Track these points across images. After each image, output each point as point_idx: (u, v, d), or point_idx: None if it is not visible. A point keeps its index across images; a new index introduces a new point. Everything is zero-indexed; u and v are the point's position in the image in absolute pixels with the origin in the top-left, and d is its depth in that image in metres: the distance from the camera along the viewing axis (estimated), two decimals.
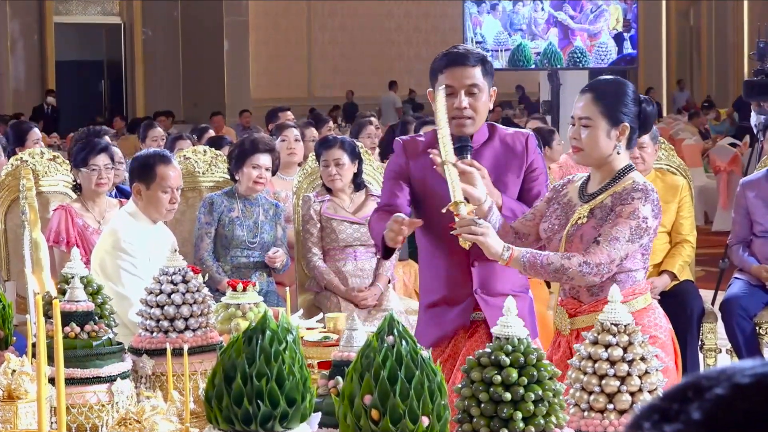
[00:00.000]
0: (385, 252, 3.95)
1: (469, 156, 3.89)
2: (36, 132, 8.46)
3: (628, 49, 12.76)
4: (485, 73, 3.98)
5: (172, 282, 3.32)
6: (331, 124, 11.05)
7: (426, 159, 3.97)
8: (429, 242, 4.05)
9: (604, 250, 3.52)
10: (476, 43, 12.74)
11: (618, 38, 12.78)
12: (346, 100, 23.67)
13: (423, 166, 4.00)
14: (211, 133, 10.11)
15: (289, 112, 10.02)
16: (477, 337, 3.95)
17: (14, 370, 2.93)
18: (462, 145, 3.91)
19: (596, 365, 2.70)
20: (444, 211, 3.62)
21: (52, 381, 2.74)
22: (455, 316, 3.99)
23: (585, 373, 2.72)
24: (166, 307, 3.30)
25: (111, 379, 3.05)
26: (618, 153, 3.67)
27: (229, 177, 6.30)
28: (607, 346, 2.71)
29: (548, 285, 6.46)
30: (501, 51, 12.91)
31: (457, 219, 3.59)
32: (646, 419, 1.10)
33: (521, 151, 4.02)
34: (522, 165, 4.03)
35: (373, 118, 10.14)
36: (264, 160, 6.13)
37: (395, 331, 2.55)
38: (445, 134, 3.75)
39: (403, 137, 4.24)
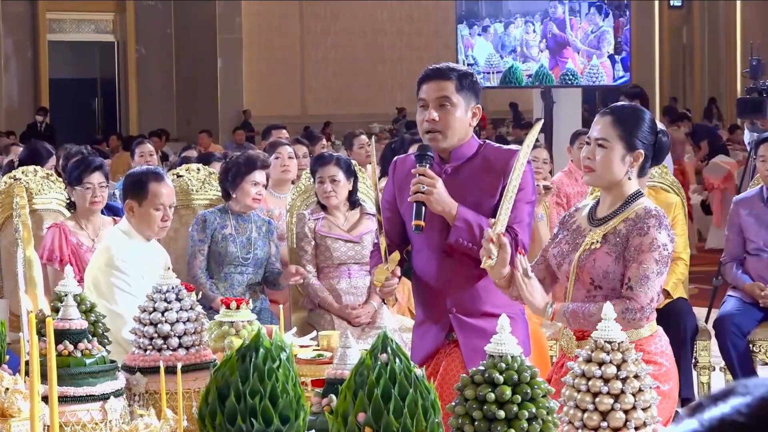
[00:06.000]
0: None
1: (427, 166, 3.84)
2: (54, 158, 8.45)
3: (620, 71, 12.77)
4: (461, 88, 3.87)
5: (165, 300, 3.32)
6: (324, 141, 11.06)
7: (408, 177, 3.94)
8: (414, 260, 4.05)
9: (640, 294, 3.51)
10: (468, 65, 12.75)
11: (610, 60, 12.79)
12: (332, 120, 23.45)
13: (405, 184, 3.95)
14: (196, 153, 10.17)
15: (284, 131, 10.02)
16: (455, 356, 3.92)
17: (7, 389, 2.93)
18: (421, 154, 3.86)
19: (590, 383, 2.70)
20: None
21: (45, 399, 2.73)
22: (433, 335, 3.98)
23: (579, 391, 2.72)
24: (159, 325, 3.30)
25: (104, 397, 3.04)
26: (629, 179, 3.67)
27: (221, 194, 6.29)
28: (600, 364, 2.71)
29: None
30: (492, 73, 12.91)
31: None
32: (686, 411, 1.13)
33: (500, 169, 3.88)
34: (499, 183, 3.87)
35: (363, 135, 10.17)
36: (261, 177, 6.14)
37: (389, 348, 2.54)
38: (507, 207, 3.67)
39: (399, 156, 4.23)
